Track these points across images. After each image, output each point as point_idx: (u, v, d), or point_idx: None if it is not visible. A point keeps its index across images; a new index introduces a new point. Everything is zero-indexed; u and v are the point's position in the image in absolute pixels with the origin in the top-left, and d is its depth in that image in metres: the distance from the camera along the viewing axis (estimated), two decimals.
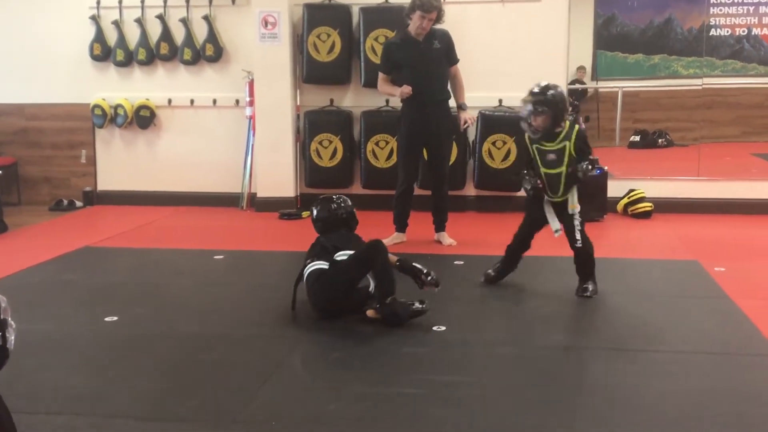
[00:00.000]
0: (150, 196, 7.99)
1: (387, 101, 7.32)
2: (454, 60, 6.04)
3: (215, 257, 5.83)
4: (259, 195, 7.71)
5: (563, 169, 4.53)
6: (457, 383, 3.47)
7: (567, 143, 4.51)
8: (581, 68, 10.52)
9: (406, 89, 5.85)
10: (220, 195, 7.90)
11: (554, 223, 4.66)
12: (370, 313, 4.19)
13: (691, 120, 9.23)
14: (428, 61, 5.89)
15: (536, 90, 4.57)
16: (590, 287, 4.61)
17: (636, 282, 5.11)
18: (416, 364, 3.68)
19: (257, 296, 4.88)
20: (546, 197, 4.67)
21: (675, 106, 10.42)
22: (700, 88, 9.16)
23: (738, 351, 3.83)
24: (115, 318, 4.37)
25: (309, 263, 4.36)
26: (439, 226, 6.19)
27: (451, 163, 7.26)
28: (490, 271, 4.98)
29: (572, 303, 4.55)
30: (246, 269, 5.62)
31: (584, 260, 4.66)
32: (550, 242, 6.46)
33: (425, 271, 4.26)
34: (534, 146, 4.64)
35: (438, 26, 5.94)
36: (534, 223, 4.84)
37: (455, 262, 5.57)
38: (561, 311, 4.47)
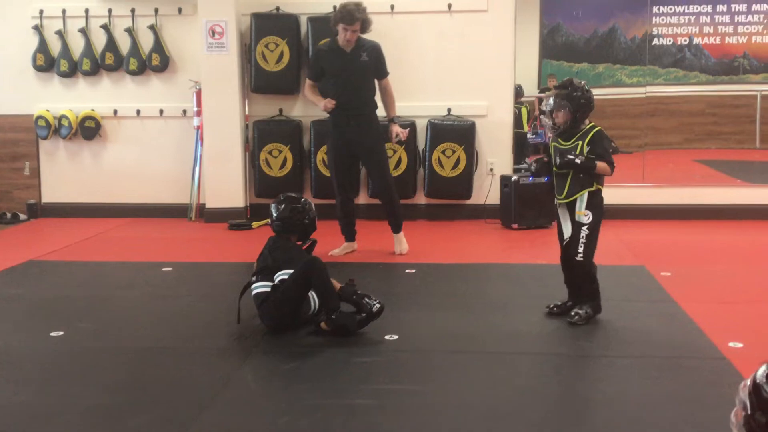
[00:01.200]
0: (96, 208, 7.87)
1: None
2: (383, 73, 6.00)
3: (163, 269, 5.76)
4: (207, 206, 7.63)
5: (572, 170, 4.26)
6: (409, 393, 3.47)
7: (580, 143, 4.24)
8: (551, 76, 10.65)
9: (330, 103, 5.83)
10: (168, 206, 7.81)
11: (566, 230, 4.35)
12: (323, 325, 4.17)
13: (635, 127, 9.39)
14: (354, 73, 5.84)
15: (560, 84, 4.37)
16: (581, 313, 4.29)
17: None
18: (368, 374, 3.68)
19: (207, 308, 4.83)
20: (556, 200, 4.40)
21: (619, 114, 10.59)
22: (643, 96, 9.33)
23: (685, 354, 3.90)
24: (61, 333, 4.28)
25: (254, 281, 4.32)
26: (394, 228, 6.11)
27: (401, 172, 7.34)
28: (553, 306, 4.50)
29: (523, 309, 4.58)
30: (195, 281, 5.56)
31: (582, 277, 4.34)
32: (501, 249, 6.54)
33: (365, 302, 4.13)
34: (552, 143, 4.38)
35: (368, 37, 5.93)
36: (561, 236, 4.42)
37: (407, 271, 5.58)
38: (512, 318, 4.49)
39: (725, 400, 3.32)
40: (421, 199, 7.62)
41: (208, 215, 7.60)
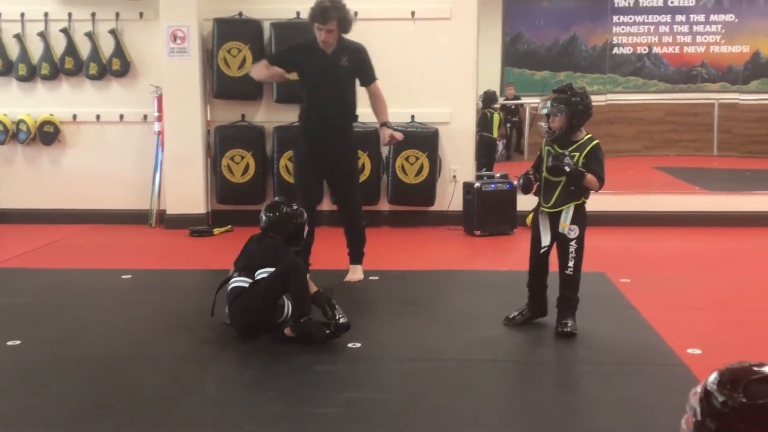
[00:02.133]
0: (55, 214, 7.75)
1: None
2: (370, 78, 5.36)
3: (123, 276, 5.69)
4: (168, 212, 7.56)
5: (564, 179, 4.17)
6: (372, 401, 3.46)
7: (577, 154, 4.14)
8: (510, 84, 10.73)
9: (278, 72, 5.20)
10: (128, 212, 7.72)
11: (545, 238, 4.29)
12: (287, 331, 4.15)
13: (595, 135, 9.48)
14: (332, 78, 5.17)
15: (559, 88, 4.25)
16: (570, 323, 4.24)
17: (549, 293, 5.21)
18: (331, 383, 3.66)
19: (167, 316, 4.78)
20: (540, 206, 4.33)
21: None
22: (603, 104, 9.45)
23: (644, 361, 3.94)
24: (18, 342, 4.20)
25: (234, 275, 4.30)
26: (355, 258, 5.51)
27: (365, 178, 7.33)
28: (514, 314, 4.46)
29: (485, 316, 4.60)
30: (155, 288, 5.49)
31: (571, 290, 4.27)
32: (463, 255, 6.57)
33: (334, 314, 4.09)
34: (546, 147, 4.28)
35: (350, 38, 5.30)
36: (536, 243, 4.35)
37: (370, 278, 5.57)
38: (475, 325, 4.50)
39: (683, 406, 3.36)
40: (384, 205, 7.63)
41: (168, 221, 7.53)
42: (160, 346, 4.22)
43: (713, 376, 1.50)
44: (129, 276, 5.70)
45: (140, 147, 7.74)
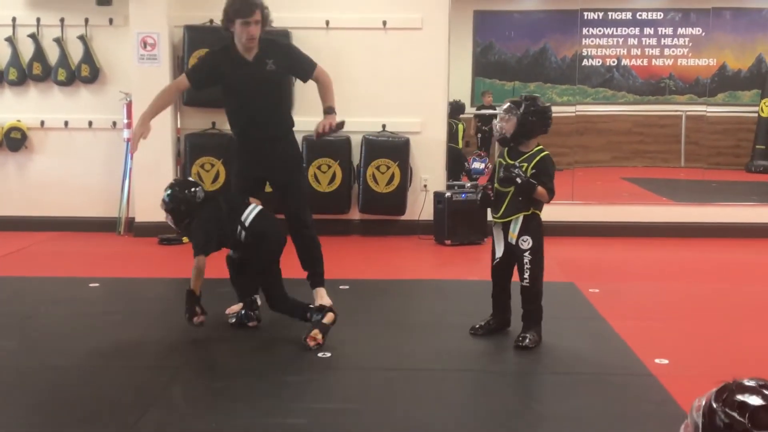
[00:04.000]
0: (21, 221, 7.65)
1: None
2: (308, 70, 4.74)
3: (90, 285, 5.63)
4: (137, 220, 7.50)
5: (512, 189, 4.19)
6: (342, 411, 3.45)
7: (525, 164, 4.18)
8: (487, 92, 10.76)
9: (134, 147, 4.72)
10: (96, 220, 7.65)
11: (498, 249, 4.35)
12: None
13: (565, 145, 9.58)
14: (259, 88, 4.60)
15: (524, 95, 4.28)
16: (529, 336, 4.21)
17: (514, 304, 5.22)
18: (300, 393, 3.65)
19: (135, 325, 4.74)
20: (492, 216, 4.37)
21: (550, 132, 10.79)
22: (573, 114, 9.52)
23: (612, 371, 3.96)
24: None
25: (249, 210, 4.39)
26: (315, 281, 4.93)
27: (335, 187, 7.33)
28: (477, 326, 4.47)
29: (454, 326, 4.60)
30: (123, 297, 5.45)
31: (530, 302, 4.28)
32: (434, 265, 6.58)
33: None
34: (498, 158, 4.36)
35: (266, 34, 4.65)
36: (494, 254, 4.40)
37: (341, 287, 5.56)
38: (444, 335, 4.51)
39: (651, 416, 3.40)
40: (355, 214, 7.62)
41: (137, 229, 7.46)
42: (127, 355, 4.18)
43: (714, 394, 1.46)
44: (97, 284, 5.64)
45: (109, 154, 7.67)
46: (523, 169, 4.16)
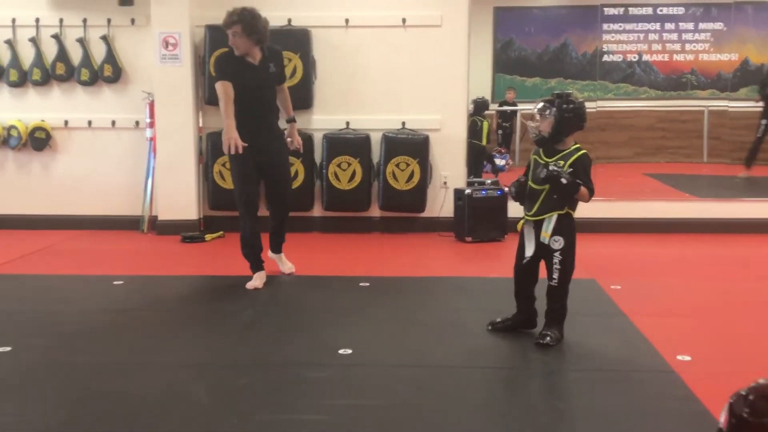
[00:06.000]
0: (47, 220, 7.74)
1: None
2: (284, 80, 5.74)
3: (115, 283, 5.68)
4: (160, 218, 7.56)
5: (547, 187, 4.11)
6: (362, 408, 3.46)
7: (562, 162, 4.10)
8: (511, 89, 10.75)
9: (236, 144, 5.22)
10: (120, 218, 7.72)
11: (528, 248, 4.26)
12: None
13: (586, 141, 9.48)
14: (263, 87, 5.47)
15: (556, 92, 4.22)
16: (550, 335, 4.19)
17: (539, 304, 5.23)
18: (322, 390, 3.67)
19: (159, 322, 4.78)
20: (524, 214, 4.29)
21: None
22: (594, 110, 9.49)
23: (633, 368, 3.96)
24: (9, 348, 4.20)
25: None
26: (277, 247, 5.79)
27: (354, 185, 7.36)
28: (498, 320, 4.47)
29: (476, 323, 4.61)
30: (147, 294, 5.49)
31: (556, 301, 4.24)
32: (454, 262, 6.58)
33: None
34: (533, 156, 4.28)
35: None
36: (521, 252, 4.33)
37: (360, 284, 5.58)
38: (465, 332, 4.52)
39: (673, 413, 3.40)
40: (375, 212, 7.64)
41: (160, 227, 7.52)
42: (151, 352, 4.22)
43: (750, 388, 1.49)
44: (121, 282, 5.70)
45: (132, 153, 7.74)
46: (561, 166, 4.08)
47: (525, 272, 4.35)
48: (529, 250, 4.27)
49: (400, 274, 6.00)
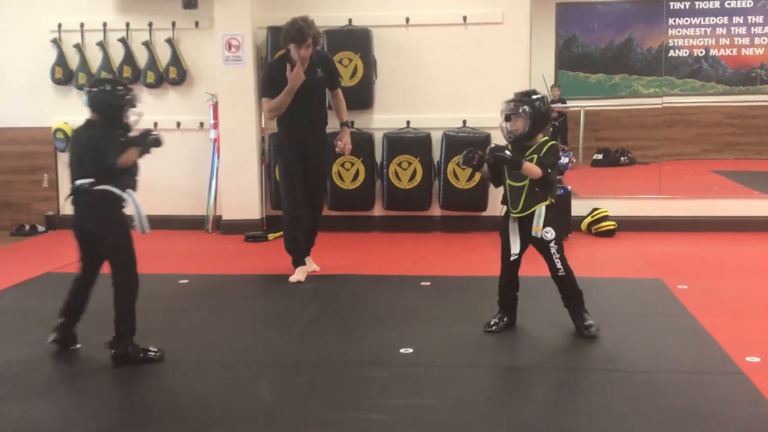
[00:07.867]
0: None
1: (352, 122, 7.30)
2: (336, 85, 5.83)
3: (180, 281, 5.78)
4: (224, 218, 7.67)
5: (527, 182, 4.24)
6: (423, 407, 3.46)
7: (535, 157, 4.22)
8: (555, 86, 10.63)
9: (300, 72, 5.39)
10: (185, 218, 7.85)
11: (514, 246, 4.36)
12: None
13: (652, 138, 9.37)
14: (311, 91, 5.56)
15: (523, 91, 4.39)
16: (591, 324, 4.31)
17: (600, 301, 5.12)
18: (382, 388, 3.67)
19: (222, 321, 4.85)
20: (510, 214, 4.39)
21: (636, 124, 10.56)
22: (660, 106, 9.31)
23: (701, 370, 3.87)
24: (78, 345, 4.30)
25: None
26: (307, 250, 5.91)
27: (415, 184, 7.35)
28: (492, 321, 4.53)
29: (538, 323, 4.57)
30: (211, 293, 5.57)
31: (571, 289, 4.35)
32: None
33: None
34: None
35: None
36: (506, 251, 4.45)
37: (422, 284, 5.58)
38: (526, 333, 4.48)
39: (741, 415, 3.31)
40: (435, 211, 7.62)
41: (224, 227, 7.63)
42: (215, 350, 4.28)
43: None
44: (186, 281, 5.80)
45: (197, 154, 7.86)
46: (533, 160, 4.20)
47: (514, 270, 4.47)
48: (516, 248, 4.36)
49: (461, 273, 5.97)
